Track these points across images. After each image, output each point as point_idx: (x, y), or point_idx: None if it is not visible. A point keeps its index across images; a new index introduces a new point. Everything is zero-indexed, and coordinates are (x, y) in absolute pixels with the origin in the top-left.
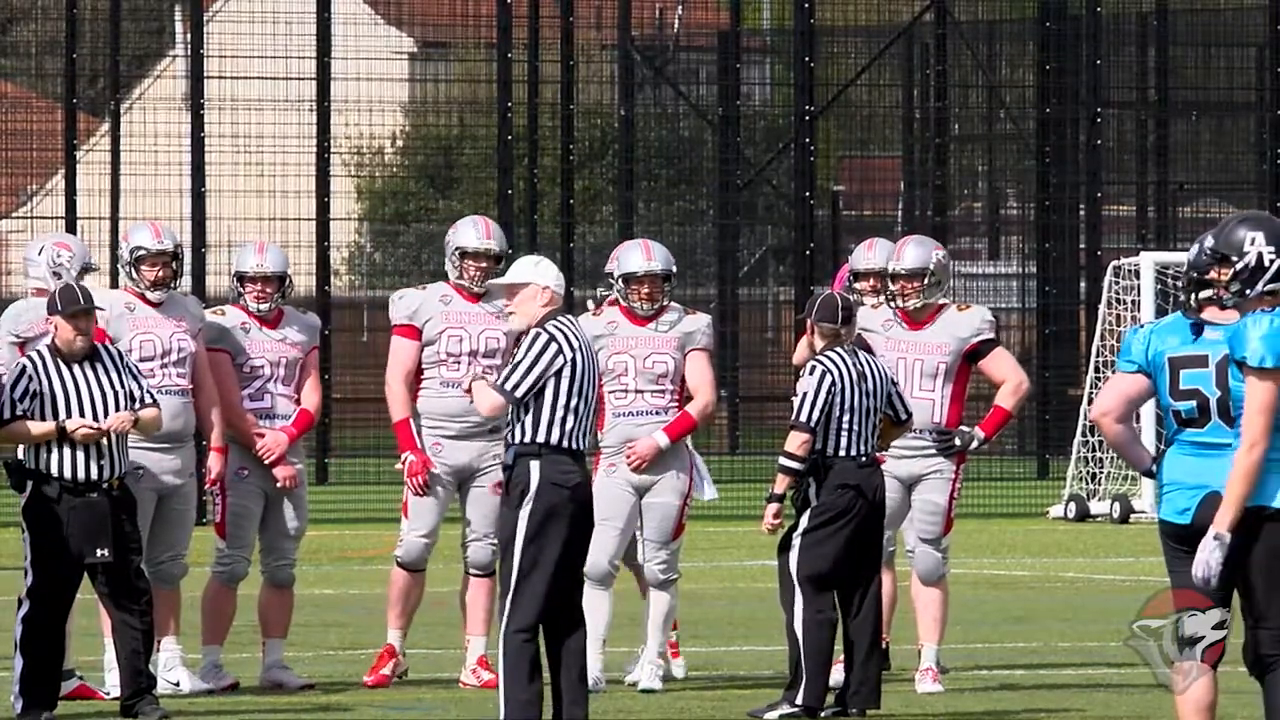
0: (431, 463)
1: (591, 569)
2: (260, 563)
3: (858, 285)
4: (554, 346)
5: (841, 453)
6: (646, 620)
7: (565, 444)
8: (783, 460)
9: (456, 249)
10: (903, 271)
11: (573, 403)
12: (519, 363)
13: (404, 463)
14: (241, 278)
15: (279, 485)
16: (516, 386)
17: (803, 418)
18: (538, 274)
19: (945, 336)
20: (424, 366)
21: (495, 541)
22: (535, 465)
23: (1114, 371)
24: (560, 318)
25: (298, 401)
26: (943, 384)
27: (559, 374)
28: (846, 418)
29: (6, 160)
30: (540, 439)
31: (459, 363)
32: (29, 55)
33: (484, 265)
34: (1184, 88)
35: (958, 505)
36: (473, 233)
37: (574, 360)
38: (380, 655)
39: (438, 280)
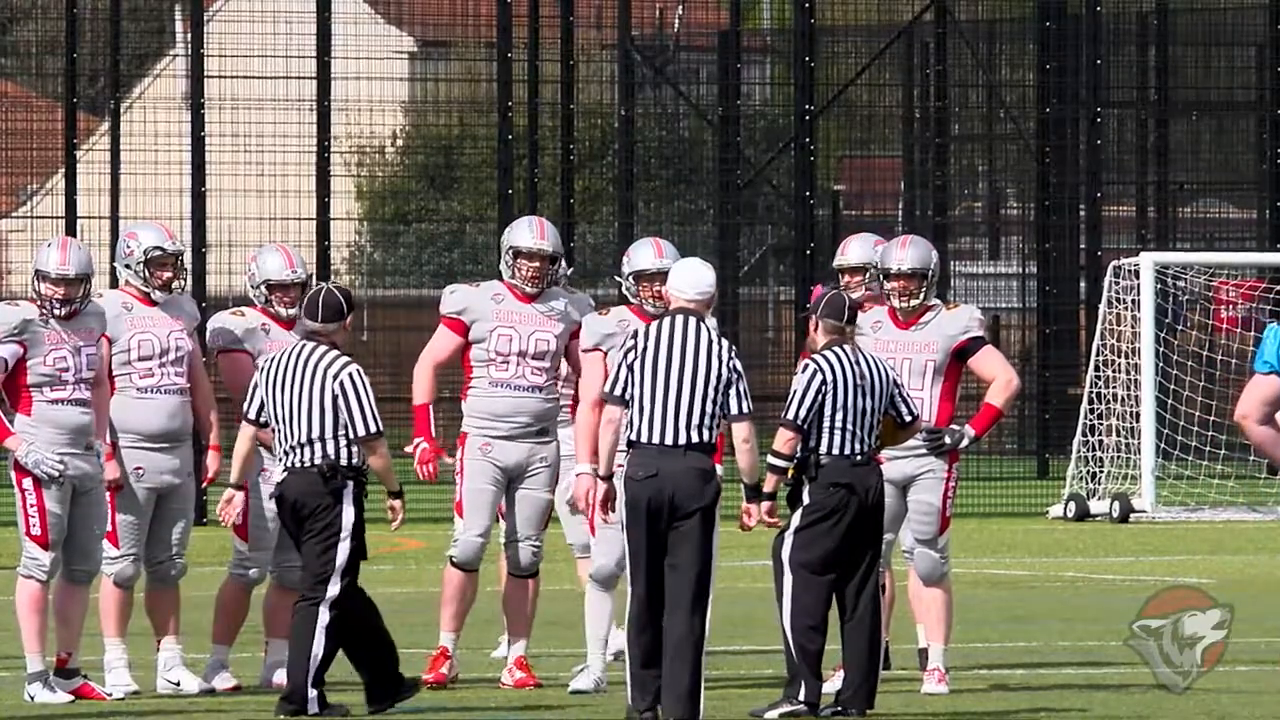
0: (442, 451)
1: (598, 571)
2: (270, 563)
3: (844, 279)
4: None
5: (835, 451)
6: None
7: (643, 439)
8: (770, 458)
9: (510, 248)
10: (906, 271)
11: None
12: (617, 368)
13: (415, 448)
14: (270, 285)
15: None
16: (613, 389)
17: (789, 415)
18: None
19: (934, 335)
20: (473, 365)
21: (537, 544)
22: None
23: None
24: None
25: None
26: (932, 383)
27: (631, 368)
28: (839, 416)
29: (6, 160)
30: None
31: (508, 362)
32: (29, 55)
33: (537, 265)
34: (1184, 88)
35: (956, 505)
36: (527, 233)
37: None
38: (435, 657)
39: (459, 280)
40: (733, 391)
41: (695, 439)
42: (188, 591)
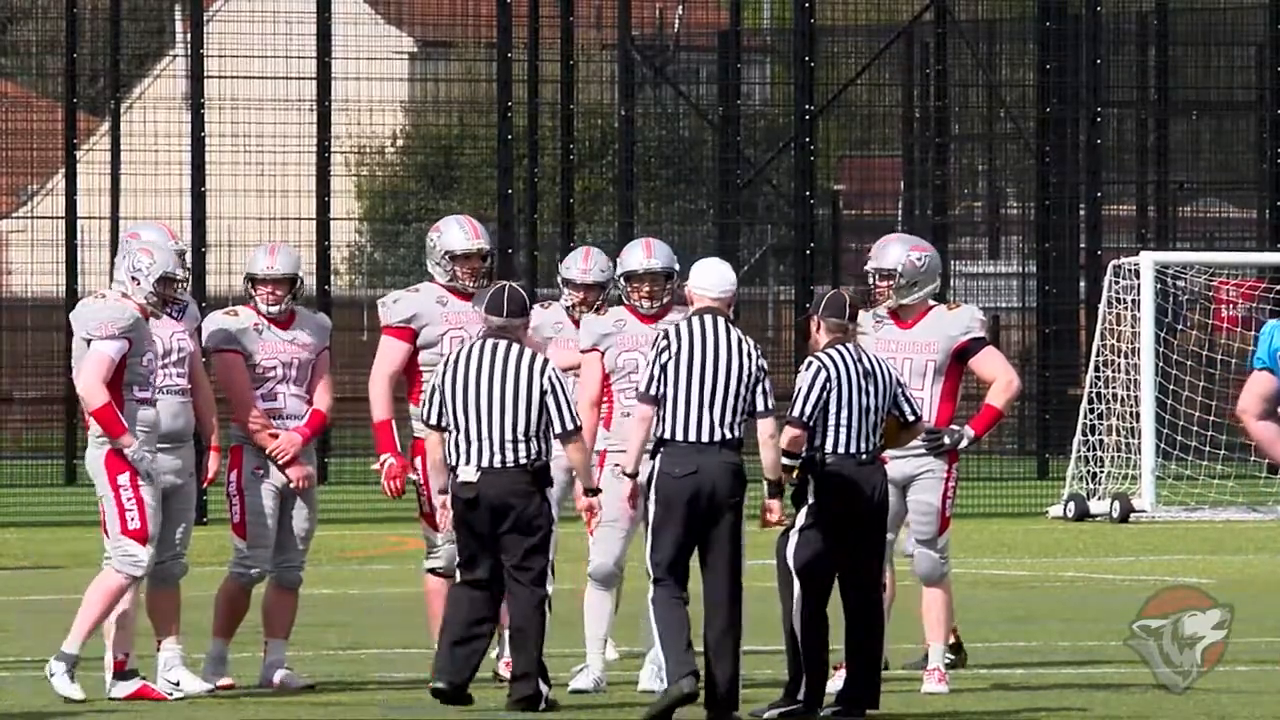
0: (410, 467)
1: (596, 570)
2: (269, 561)
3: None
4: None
5: (840, 449)
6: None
7: (676, 437)
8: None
9: (445, 253)
10: (873, 270)
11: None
12: (650, 368)
13: (382, 465)
14: (253, 280)
15: (293, 486)
16: (648, 388)
17: (794, 413)
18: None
19: (934, 335)
20: (423, 369)
21: None
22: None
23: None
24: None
25: (310, 402)
26: (932, 383)
27: (665, 368)
28: (844, 414)
29: (6, 160)
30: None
31: None
32: (29, 55)
33: (475, 265)
34: (1184, 87)
35: (956, 505)
36: (460, 236)
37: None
38: None
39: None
40: (759, 389)
41: (727, 436)
42: (188, 591)
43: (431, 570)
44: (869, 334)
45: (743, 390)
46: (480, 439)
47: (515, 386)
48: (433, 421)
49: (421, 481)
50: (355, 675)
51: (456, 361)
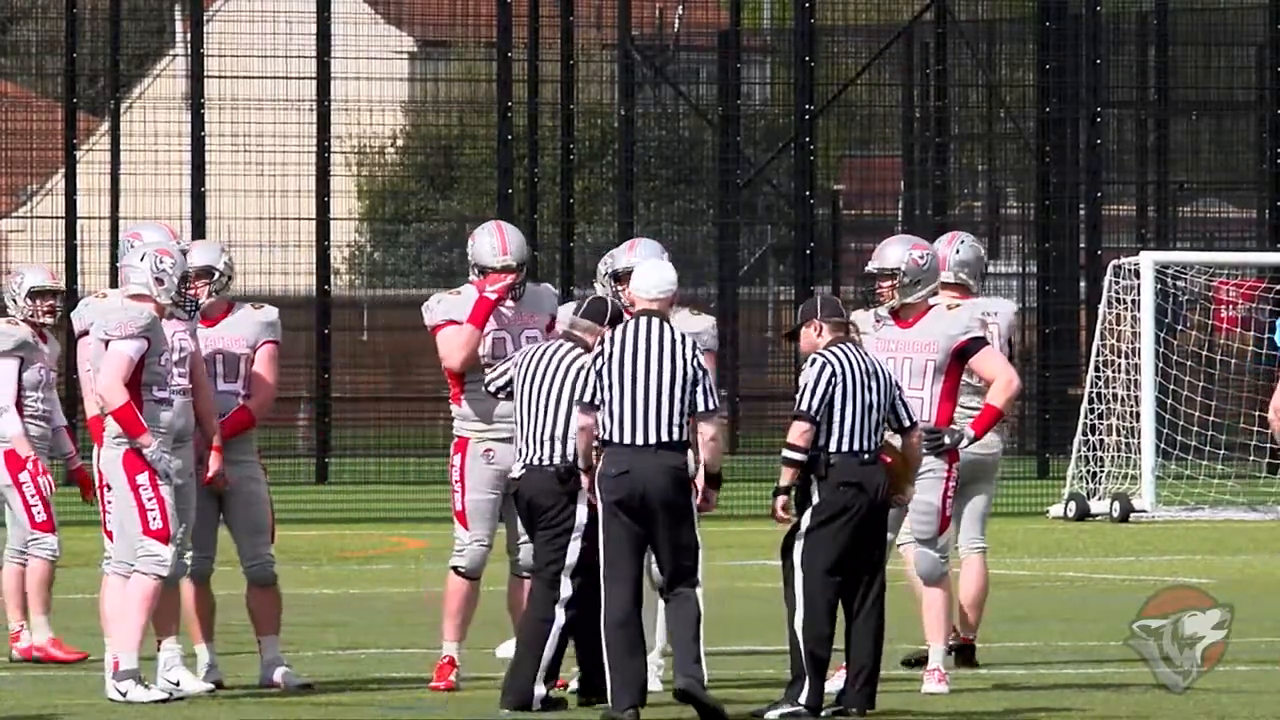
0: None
1: None
2: (240, 563)
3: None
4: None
5: (843, 448)
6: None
7: (614, 439)
8: (785, 451)
9: (476, 265)
10: (875, 271)
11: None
12: (588, 375)
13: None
14: (184, 275)
15: (204, 483)
16: (581, 395)
17: (802, 407)
18: None
19: (933, 334)
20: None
21: None
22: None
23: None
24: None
25: (248, 398)
26: (932, 382)
27: (599, 374)
28: (848, 411)
29: (6, 160)
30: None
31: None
32: (29, 55)
33: (509, 280)
34: (1184, 88)
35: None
36: (490, 252)
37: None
38: (442, 666)
39: (454, 281)
40: (699, 389)
41: (665, 438)
42: (187, 591)
43: (455, 568)
44: (869, 333)
45: (680, 392)
46: (527, 437)
47: (556, 387)
48: (492, 390)
49: (459, 479)
50: (355, 675)
51: (527, 359)
